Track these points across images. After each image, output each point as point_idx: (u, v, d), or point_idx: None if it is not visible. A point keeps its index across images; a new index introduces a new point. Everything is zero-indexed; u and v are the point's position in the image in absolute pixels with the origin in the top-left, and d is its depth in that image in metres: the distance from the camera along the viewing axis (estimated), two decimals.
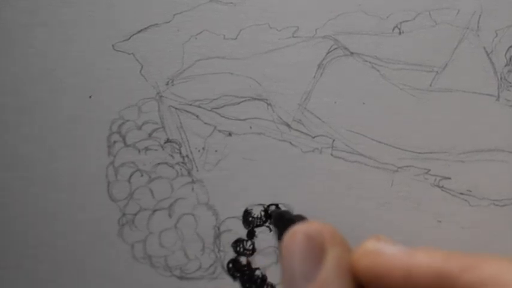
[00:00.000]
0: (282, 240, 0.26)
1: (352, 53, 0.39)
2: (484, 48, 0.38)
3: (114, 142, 0.39)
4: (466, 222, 0.38)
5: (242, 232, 0.39)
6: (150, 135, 0.39)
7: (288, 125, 0.39)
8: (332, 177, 0.39)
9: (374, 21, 0.39)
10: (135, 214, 0.39)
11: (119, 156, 0.39)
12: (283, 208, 0.39)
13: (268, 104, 0.39)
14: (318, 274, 0.24)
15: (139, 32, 0.39)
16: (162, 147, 0.39)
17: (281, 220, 0.35)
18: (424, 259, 0.23)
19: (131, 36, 0.39)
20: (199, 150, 0.39)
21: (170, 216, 0.39)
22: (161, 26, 0.39)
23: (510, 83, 0.38)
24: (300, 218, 0.35)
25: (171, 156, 0.39)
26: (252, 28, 0.39)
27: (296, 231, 0.25)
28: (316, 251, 0.25)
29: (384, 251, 0.24)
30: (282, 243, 0.26)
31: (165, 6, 0.39)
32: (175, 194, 0.39)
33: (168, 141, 0.39)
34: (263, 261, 0.39)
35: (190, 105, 0.39)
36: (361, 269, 0.24)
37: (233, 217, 0.39)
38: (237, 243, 0.39)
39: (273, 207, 0.39)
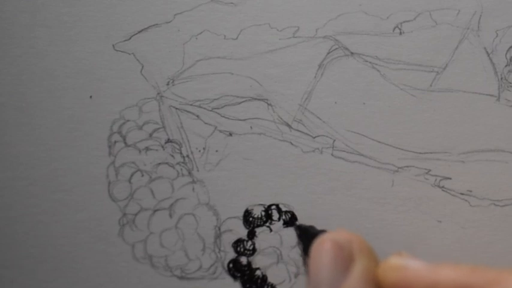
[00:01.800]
0: (309, 251, 0.26)
1: (352, 53, 0.39)
2: (485, 48, 0.38)
3: (115, 142, 0.39)
4: (466, 222, 0.38)
5: (243, 232, 0.39)
6: (150, 135, 0.39)
7: (289, 125, 0.39)
8: (332, 177, 0.39)
9: (374, 22, 0.39)
10: (136, 214, 0.39)
11: (120, 156, 0.39)
12: (284, 209, 0.39)
13: (269, 104, 0.39)
14: (344, 283, 0.25)
15: (139, 32, 0.39)
16: (162, 147, 0.39)
17: (306, 234, 0.35)
18: (449, 274, 0.23)
19: (132, 36, 0.39)
20: (199, 151, 0.39)
21: (171, 216, 0.39)
22: (162, 26, 0.39)
23: (510, 83, 0.38)
24: (326, 233, 0.35)
25: (172, 156, 0.39)
26: (252, 28, 0.39)
27: (325, 239, 0.25)
28: (345, 259, 0.25)
29: (409, 266, 0.25)
30: (310, 251, 0.26)
31: (166, 6, 0.39)
32: (176, 194, 0.39)
33: (168, 141, 0.39)
34: (263, 262, 0.39)
35: (191, 105, 0.39)
36: (386, 282, 0.25)
37: (234, 217, 0.39)
38: (238, 243, 0.39)
39: (297, 223, 0.39)
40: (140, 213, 0.39)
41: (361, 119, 0.39)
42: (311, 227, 0.37)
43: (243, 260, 0.39)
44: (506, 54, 0.38)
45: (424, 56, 0.39)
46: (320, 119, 0.39)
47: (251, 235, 0.39)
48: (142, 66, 0.39)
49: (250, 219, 0.39)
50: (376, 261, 0.25)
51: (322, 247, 0.25)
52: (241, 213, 0.39)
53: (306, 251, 0.27)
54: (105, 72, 0.39)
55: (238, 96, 0.39)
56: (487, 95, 0.38)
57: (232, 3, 0.39)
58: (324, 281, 0.25)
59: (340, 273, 0.25)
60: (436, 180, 0.38)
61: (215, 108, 0.39)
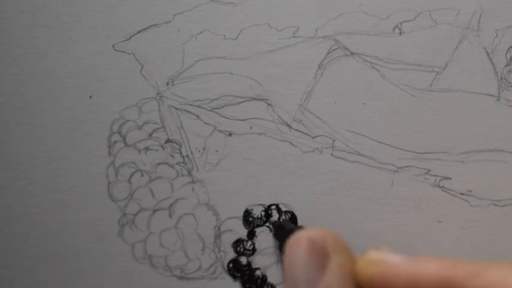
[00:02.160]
0: (285, 247, 0.26)
1: (352, 53, 0.39)
2: (485, 48, 0.38)
3: (115, 142, 0.39)
4: (466, 222, 0.38)
5: (242, 232, 0.39)
6: (150, 135, 0.39)
7: (288, 125, 0.39)
8: (332, 177, 0.39)
9: (374, 22, 0.39)
10: (136, 214, 0.39)
11: (119, 156, 0.39)
12: (284, 209, 0.39)
13: (269, 104, 0.39)
14: (321, 280, 0.24)
15: (139, 32, 0.39)
16: (162, 147, 0.39)
17: (282, 230, 0.35)
18: (430, 267, 0.23)
19: (131, 36, 0.39)
20: (199, 151, 0.39)
21: (170, 216, 0.39)
22: (161, 26, 0.39)
23: (510, 83, 0.38)
24: (301, 229, 0.35)
25: (172, 156, 0.39)
26: (252, 28, 0.39)
27: (300, 237, 0.25)
28: (320, 257, 0.25)
29: (388, 260, 0.24)
30: (285, 249, 0.26)
31: (166, 6, 0.39)
32: (176, 194, 0.39)
33: (168, 141, 0.39)
34: (263, 262, 0.39)
35: (191, 105, 0.39)
36: (365, 277, 0.24)
37: (233, 217, 0.39)
38: (238, 243, 0.39)
39: (272, 220, 0.39)
40: (140, 213, 0.39)
41: (360, 119, 0.39)
42: (286, 223, 0.37)
43: (243, 260, 0.39)
44: (506, 54, 0.38)
45: (424, 56, 0.39)
46: (320, 119, 0.39)
47: (251, 235, 0.39)
48: (142, 66, 0.39)
49: (250, 219, 0.39)
50: (352, 257, 0.25)
51: (296, 245, 0.25)
52: (241, 213, 0.39)
53: (281, 248, 0.27)
54: (105, 72, 0.39)
55: (238, 96, 0.39)
56: (487, 95, 0.38)
57: (232, 3, 0.39)
58: (300, 279, 0.25)
59: (316, 270, 0.25)
60: (435, 180, 0.38)
61: (215, 108, 0.39)
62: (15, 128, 0.40)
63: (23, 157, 0.40)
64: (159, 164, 0.39)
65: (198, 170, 0.39)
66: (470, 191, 0.38)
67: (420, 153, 0.39)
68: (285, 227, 0.36)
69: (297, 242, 0.25)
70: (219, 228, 0.39)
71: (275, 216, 0.39)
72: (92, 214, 0.39)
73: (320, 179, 0.39)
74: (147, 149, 0.39)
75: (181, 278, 0.39)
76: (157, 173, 0.39)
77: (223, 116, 0.39)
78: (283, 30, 0.39)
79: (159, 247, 0.39)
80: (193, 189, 0.39)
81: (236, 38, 0.39)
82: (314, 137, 0.39)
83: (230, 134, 0.39)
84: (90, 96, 0.40)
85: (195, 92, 0.39)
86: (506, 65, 0.38)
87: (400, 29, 0.39)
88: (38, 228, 0.40)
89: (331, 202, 0.39)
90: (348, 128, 0.39)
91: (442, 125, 0.38)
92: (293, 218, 0.39)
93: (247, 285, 0.39)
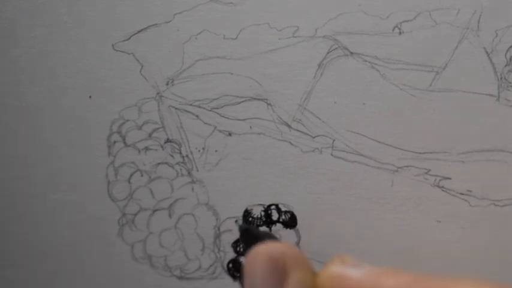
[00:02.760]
0: (245, 259, 0.26)
1: (352, 53, 0.39)
2: (484, 48, 0.38)
3: (114, 142, 0.39)
4: (466, 222, 0.38)
5: None
6: (150, 135, 0.39)
7: (288, 125, 0.39)
8: (332, 177, 0.39)
9: (374, 21, 0.39)
10: (135, 214, 0.39)
11: (119, 156, 0.39)
12: (284, 208, 0.39)
13: (268, 104, 0.39)
14: None
15: (139, 32, 0.39)
16: (162, 147, 0.39)
17: (247, 236, 0.35)
18: (390, 283, 0.23)
19: (131, 36, 0.39)
20: (199, 150, 0.39)
21: (170, 216, 0.39)
22: (161, 26, 0.39)
23: (510, 83, 0.38)
24: (267, 236, 0.35)
25: (171, 156, 0.39)
26: (252, 28, 0.39)
27: (258, 253, 0.25)
28: (278, 273, 0.24)
29: (348, 275, 0.24)
30: (245, 262, 0.26)
31: (165, 6, 0.39)
32: (176, 194, 0.39)
33: (168, 141, 0.39)
34: None
35: (191, 105, 0.39)
36: None
37: (233, 217, 0.39)
38: (237, 243, 0.39)
39: (240, 222, 0.39)
40: (140, 213, 0.39)
41: (360, 119, 0.39)
42: (254, 228, 0.37)
43: (243, 260, 0.39)
44: (506, 54, 0.38)
45: (423, 56, 0.38)
46: (319, 119, 0.39)
47: None
48: (142, 66, 0.39)
49: (250, 219, 0.39)
50: (313, 273, 0.25)
51: (255, 261, 0.25)
52: (240, 213, 0.39)
53: (246, 253, 0.27)
54: (104, 72, 0.39)
55: (237, 96, 0.39)
56: (486, 94, 0.38)
57: (231, 3, 0.39)
58: None
59: (276, 287, 0.24)
60: (435, 180, 0.38)
61: (215, 108, 0.39)
62: (15, 128, 0.40)
63: (23, 157, 0.40)
64: (159, 164, 0.39)
65: (197, 170, 0.39)
66: (470, 191, 0.38)
67: (420, 153, 0.39)
68: (251, 233, 0.36)
69: (256, 257, 0.25)
70: (218, 228, 0.39)
71: (275, 216, 0.39)
72: (92, 214, 0.40)
73: (320, 179, 0.39)
74: (146, 149, 0.39)
75: (180, 278, 0.39)
76: (157, 173, 0.39)
77: (223, 116, 0.39)
78: (283, 30, 0.39)
79: (158, 247, 0.39)
80: (193, 189, 0.39)
81: (236, 38, 0.39)
82: (314, 137, 0.39)
83: (230, 134, 0.39)
84: (90, 96, 0.40)
85: (194, 92, 0.39)
86: (506, 65, 0.38)
87: (400, 28, 0.39)
88: (38, 228, 0.40)
89: (331, 202, 0.39)
90: (347, 128, 0.39)
91: (442, 125, 0.38)
92: (292, 218, 0.39)
93: None
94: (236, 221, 0.39)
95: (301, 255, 0.25)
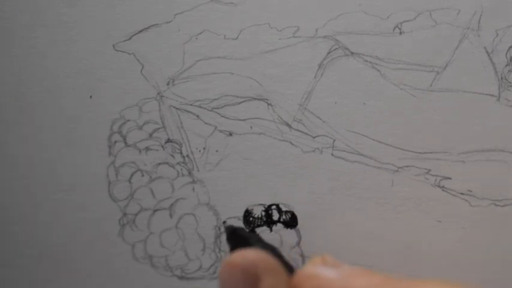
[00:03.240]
0: (220, 268, 0.27)
1: (352, 53, 0.39)
2: (485, 48, 0.38)
3: (115, 142, 0.39)
4: (466, 222, 0.38)
5: None
6: (150, 135, 0.39)
7: (289, 125, 0.39)
8: (332, 177, 0.39)
9: (374, 21, 0.39)
10: (136, 214, 0.39)
11: (120, 156, 0.39)
12: (284, 208, 0.39)
13: (269, 104, 0.39)
14: None
15: (140, 32, 0.39)
16: (162, 147, 0.39)
17: (234, 237, 0.35)
18: (360, 283, 0.23)
19: (132, 36, 0.39)
20: (200, 150, 0.39)
21: (171, 216, 0.39)
22: (162, 26, 0.39)
23: (511, 83, 0.38)
24: (253, 237, 0.36)
25: (172, 156, 0.39)
26: (252, 28, 0.39)
27: (231, 264, 0.26)
28: (251, 281, 0.25)
29: (322, 276, 0.25)
30: (219, 272, 0.27)
31: (166, 6, 0.39)
32: (176, 194, 0.39)
33: (168, 141, 0.39)
34: None
35: (191, 105, 0.39)
36: None
37: (234, 217, 0.39)
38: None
39: (228, 224, 0.39)
40: (140, 213, 0.39)
41: (361, 119, 0.39)
42: (240, 230, 0.37)
43: None
44: (506, 54, 0.38)
45: (424, 55, 0.39)
46: (320, 119, 0.39)
47: None
48: (143, 66, 0.39)
49: (251, 219, 0.39)
50: (284, 277, 0.26)
51: (228, 271, 0.26)
52: (241, 213, 0.39)
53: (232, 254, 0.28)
54: (105, 72, 0.39)
55: (238, 96, 0.39)
56: (487, 94, 0.38)
57: (232, 3, 0.39)
58: None
59: None
60: (436, 180, 0.38)
61: (215, 108, 0.39)
62: (15, 128, 0.40)
63: (23, 157, 0.40)
64: (160, 164, 0.39)
65: (198, 170, 0.39)
66: (470, 191, 0.38)
67: (420, 153, 0.39)
68: (237, 234, 0.36)
69: (229, 268, 0.26)
70: (219, 228, 0.39)
71: (275, 216, 0.39)
72: (92, 214, 0.40)
73: (320, 178, 0.39)
74: (147, 149, 0.39)
75: (181, 278, 0.39)
76: (158, 173, 0.39)
77: (223, 116, 0.39)
78: (283, 30, 0.39)
79: (159, 247, 0.39)
80: (193, 189, 0.39)
81: (236, 38, 0.39)
82: (314, 137, 0.39)
83: (230, 134, 0.39)
84: (91, 96, 0.40)
85: (195, 92, 0.39)
86: (506, 65, 0.38)
87: (400, 28, 0.39)
88: (38, 228, 0.40)
89: (331, 202, 0.39)
90: (348, 128, 0.39)
91: (442, 125, 0.38)
92: (293, 218, 0.39)
93: None
94: (224, 222, 0.39)
95: (272, 262, 0.26)
